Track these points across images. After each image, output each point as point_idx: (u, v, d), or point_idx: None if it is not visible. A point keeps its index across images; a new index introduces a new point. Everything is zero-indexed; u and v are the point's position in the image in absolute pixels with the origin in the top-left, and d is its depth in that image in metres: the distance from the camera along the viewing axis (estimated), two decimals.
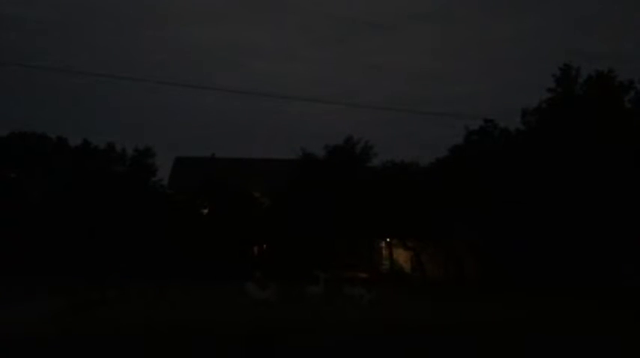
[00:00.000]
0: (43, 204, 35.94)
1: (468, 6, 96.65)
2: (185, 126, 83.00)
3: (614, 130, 28.55)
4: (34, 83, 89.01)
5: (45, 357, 11.78)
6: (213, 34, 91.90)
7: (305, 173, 37.70)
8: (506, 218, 30.45)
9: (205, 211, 39.17)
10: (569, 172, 28.43)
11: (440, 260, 36.62)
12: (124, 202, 36.19)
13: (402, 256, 39.63)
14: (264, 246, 39.61)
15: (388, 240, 39.14)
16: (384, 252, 40.17)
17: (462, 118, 66.25)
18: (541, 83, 47.81)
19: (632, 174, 27.58)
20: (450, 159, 35.73)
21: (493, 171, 31.29)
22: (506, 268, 31.62)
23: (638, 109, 30.07)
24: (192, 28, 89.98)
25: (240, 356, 11.90)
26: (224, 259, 35.66)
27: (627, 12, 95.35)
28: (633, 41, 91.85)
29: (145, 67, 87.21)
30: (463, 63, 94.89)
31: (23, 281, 28.20)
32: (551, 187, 28.80)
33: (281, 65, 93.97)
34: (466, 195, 31.67)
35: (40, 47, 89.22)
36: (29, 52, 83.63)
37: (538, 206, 29.19)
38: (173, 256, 35.49)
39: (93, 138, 51.30)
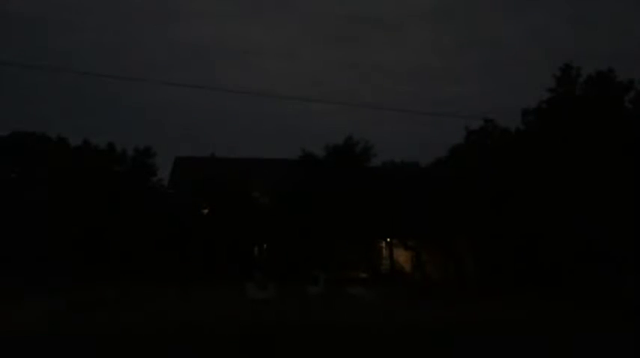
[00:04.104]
0: (43, 204, 35.90)
1: (468, 6, 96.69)
2: (185, 126, 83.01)
3: (614, 130, 28.55)
4: (34, 83, 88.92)
5: (45, 356, 11.77)
6: (213, 33, 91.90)
7: (305, 173, 37.70)
8: (507, 218, 30.43)
9: (205, 211, 39.18)
10: (569, 172, 28.43)
11: (440, 260, 36.61)
12: (124, 202, 36.22)
13: (402, 256, 39.63)
14: (265, 245, 39.62)
15: (388, 239, 39.14)
16: (384, 252, 40.17)
17: (462, 118, 66.10)
18: (541, 83, 47.76)
19: (632, 175, 27.57)
20: (450, 159, 35.71)
21: (493, 171, 31.27)
22: (506, 268, 31.60)
23: (638, 109, 30.05)
24: (193, 28, 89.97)
25: (240, 357, 11.89)
26: (224, 259, 35.70)
27: (627, 12, 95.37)
28: (633, 41, 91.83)
29: (145, 67, 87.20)
30: (463, 63, 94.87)
31: (23, 281, 28.23)
32: (552, 187, 28.80)
33: (281, 65, 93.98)
34: (466, 194, 31.66)
35: (41, 47, 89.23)
36: (29, 52, 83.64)
37: (538, 206, 29.18)
38: (173, 256, 35.54)
39: (93, 138, 51.17)
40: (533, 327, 15.72)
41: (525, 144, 31.82)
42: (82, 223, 35.13)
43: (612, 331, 15.22)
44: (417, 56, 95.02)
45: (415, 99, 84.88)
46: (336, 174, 36.74)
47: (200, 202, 39.07)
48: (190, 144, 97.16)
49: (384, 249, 40.16)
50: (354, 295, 22.62)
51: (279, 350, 12.28)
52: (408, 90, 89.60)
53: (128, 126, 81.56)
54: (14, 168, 38.63)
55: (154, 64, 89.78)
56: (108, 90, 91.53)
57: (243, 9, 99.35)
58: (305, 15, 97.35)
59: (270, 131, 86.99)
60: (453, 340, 13.65)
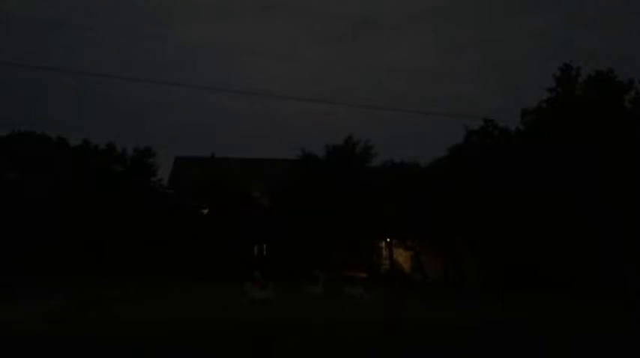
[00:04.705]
0: (43, 204, 35.92)
1: (468, 6, 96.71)
2: (185, 126, 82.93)
3: (614, 130, 28.57)
4: (34, 83, 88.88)
5: (45, 356, 11.78)
6: (213, 33, 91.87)
7: (305, 173, 37.74)
8: (506, 218, 30.44)
9: (205, 211, 39.24)
10: (568, 172, 28.44)
11: (440, 260, 36.63)
12: (124, 202, 36.25)
13: (402, 256, 39.65)
14: (264, 246, 39.65)
15: (388, 240, 39.15)
16: (384, 252, 40.19)
17: (462, 118, 66.16)
18: (541, 83, 47.74)
19: (632, 174, 27.59)
20: (450, 159, 35.71)
21: (493, 171, 31.28)
22: (506, 268, 31.61)
23: (638, 109, 30.06)
24: (193, 28, 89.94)
25: (239, 356, 11.90)
26: (224, 259, 35.74)
27: (627, 12, 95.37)
28: (633, 41, 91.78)
29: (145, 67, 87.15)
30: (463, 63, 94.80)
31: (23, 280, 28.21)
32: (551, 187, 28.80)
33: (281, 65, 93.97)
34: (466, 194, 31.67)
35: (40, 47, 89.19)
36: (29, 52, 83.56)
37: (538, 205, 29.19)
38: (173, 256, 35.57)
39: (93, 138, 51.12)
40: (534, 327, 15.73)
41: (525, 144, 31.83)
42: (82, 223, 35.14)
43: (612, 331, 15.22)
44: (417, 56, 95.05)
45: (416, 99, 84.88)
46: (336, 174, 36.77)
47: (200, 202, 39.12)
48: (190, 144, 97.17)
49: (384, 249, 40.19)
50: (354, 295, 22.58)
51: (278, 350, 12.29)
52: (408, 90, 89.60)
53: (128, 126, 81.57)
54: (14, 168, 38.66)
55: (154, 64, 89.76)
56: (107, 90, 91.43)
57: (243, 9, 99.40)
58: (305, 15, 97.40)
59: (270, 131, 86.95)
60: (452, 339, 13.66)
